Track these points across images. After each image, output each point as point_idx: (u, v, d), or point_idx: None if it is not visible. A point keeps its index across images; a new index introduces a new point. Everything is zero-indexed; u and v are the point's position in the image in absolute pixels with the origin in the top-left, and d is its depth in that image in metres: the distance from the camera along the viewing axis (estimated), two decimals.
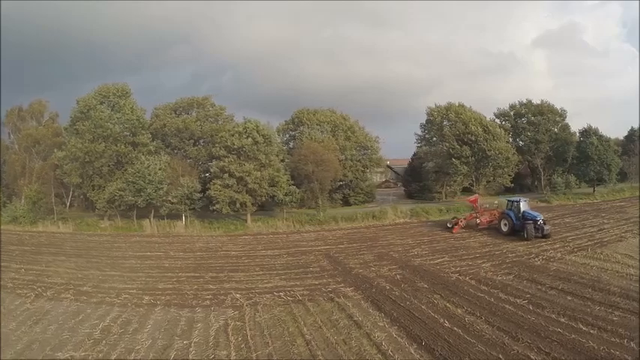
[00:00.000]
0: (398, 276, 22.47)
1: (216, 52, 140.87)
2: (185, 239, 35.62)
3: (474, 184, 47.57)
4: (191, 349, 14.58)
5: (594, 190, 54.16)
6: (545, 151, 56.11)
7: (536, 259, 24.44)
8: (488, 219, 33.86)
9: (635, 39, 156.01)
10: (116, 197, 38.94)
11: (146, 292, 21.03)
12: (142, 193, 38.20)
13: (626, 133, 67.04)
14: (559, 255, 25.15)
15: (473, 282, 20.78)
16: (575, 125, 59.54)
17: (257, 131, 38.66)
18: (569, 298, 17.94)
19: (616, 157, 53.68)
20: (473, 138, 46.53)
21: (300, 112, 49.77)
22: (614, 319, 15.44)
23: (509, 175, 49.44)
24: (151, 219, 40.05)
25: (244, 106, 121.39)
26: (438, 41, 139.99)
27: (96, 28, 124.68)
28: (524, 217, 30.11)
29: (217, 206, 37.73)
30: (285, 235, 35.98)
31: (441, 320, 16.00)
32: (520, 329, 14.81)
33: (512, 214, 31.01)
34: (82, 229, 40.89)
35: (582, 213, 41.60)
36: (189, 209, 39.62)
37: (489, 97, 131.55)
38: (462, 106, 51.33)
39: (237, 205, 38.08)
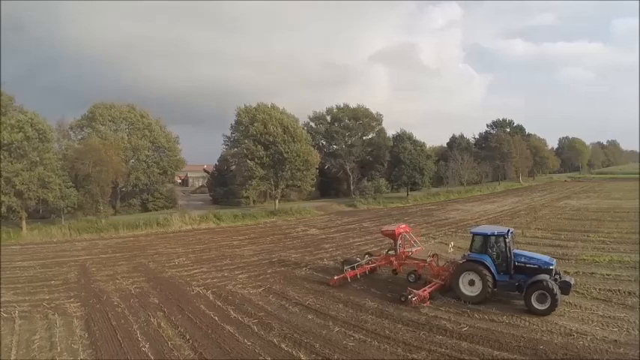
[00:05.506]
0: (136, 290, 23.94)
1: (55, 45, 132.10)
2: None
3: (273, 188, 52.51)
4: None
5: (408, 194, 65.43)
6: (357, 155, 65.48)
7: (304, 268, 25.13)
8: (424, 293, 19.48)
9: (472, 60, 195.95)
10: None
11: None
12: None
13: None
14: (332, 263, 26.47)
15: (211, 297, 21.71)
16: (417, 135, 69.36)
17: (31, 125, 39.22)
18: (309, 316, 17.97)
19: (429, 162, 65.76)
20: (271, 139, 49.45)
21: (96, 107, 51.12)
22: (350, 344, 15.24)
23: (312, 179, 54.03)
24: None
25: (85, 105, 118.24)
26: (282, 50, 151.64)
27: None
28: (516, 267, 18.70)
29: None
30: (55, 245, 38.25)
31: (142, 343, 16.43)
32: (225, 356, 14.96)
33: (489, 261, 18.90)
34: None
35: (386, 217, 47.96)
36: None
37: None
38: (273, 107, 55.29)
39: (3, 209, 38.65)
